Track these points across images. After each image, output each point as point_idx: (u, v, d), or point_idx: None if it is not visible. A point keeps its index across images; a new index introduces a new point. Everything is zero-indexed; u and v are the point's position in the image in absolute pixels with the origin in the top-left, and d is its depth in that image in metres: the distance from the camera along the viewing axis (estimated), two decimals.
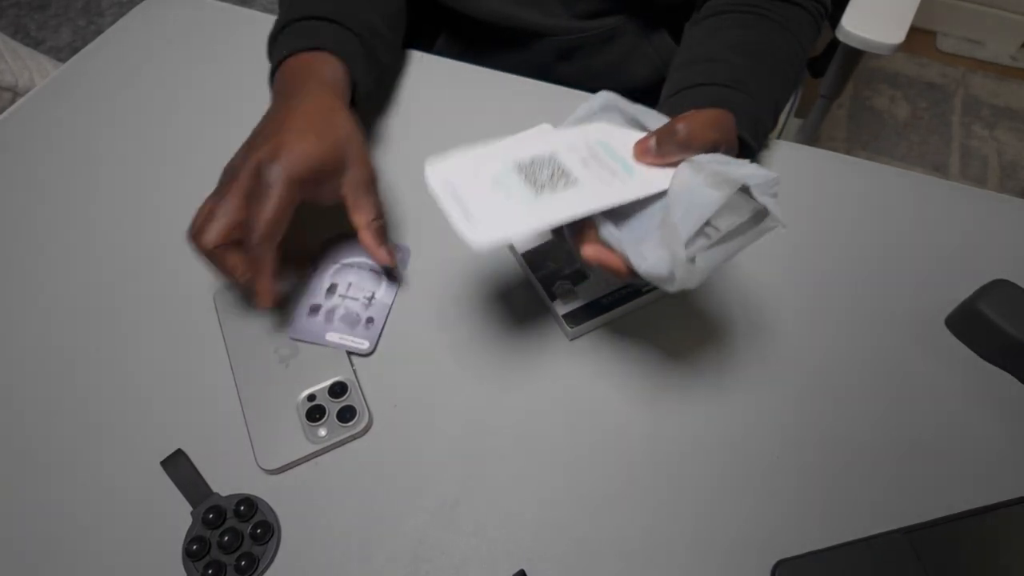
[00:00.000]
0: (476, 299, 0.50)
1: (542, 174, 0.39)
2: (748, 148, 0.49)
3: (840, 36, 0.78)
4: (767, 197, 0.36)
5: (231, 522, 0.40)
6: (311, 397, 0.44)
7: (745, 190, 0.36)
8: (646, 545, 0.40)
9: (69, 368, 0.47)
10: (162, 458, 0.42)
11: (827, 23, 0.61)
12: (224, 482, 0.42)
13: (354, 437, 0.43)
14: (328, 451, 0.43)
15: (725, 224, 0.36)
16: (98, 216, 0.55)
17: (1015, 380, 0.46)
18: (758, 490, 0.42)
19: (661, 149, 0.39)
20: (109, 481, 0.42)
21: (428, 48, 0.71)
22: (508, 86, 0.63)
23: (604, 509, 0.41)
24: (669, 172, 0.39)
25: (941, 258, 0.52)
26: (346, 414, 0.43)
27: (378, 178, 0.48)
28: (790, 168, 0.57)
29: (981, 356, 0.47)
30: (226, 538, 0.39)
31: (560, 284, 0.49)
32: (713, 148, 0.39)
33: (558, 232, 0.43)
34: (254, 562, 0.39)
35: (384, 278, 0.50)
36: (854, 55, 0.85)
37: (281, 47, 0.51)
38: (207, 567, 0.38)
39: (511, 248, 0.52)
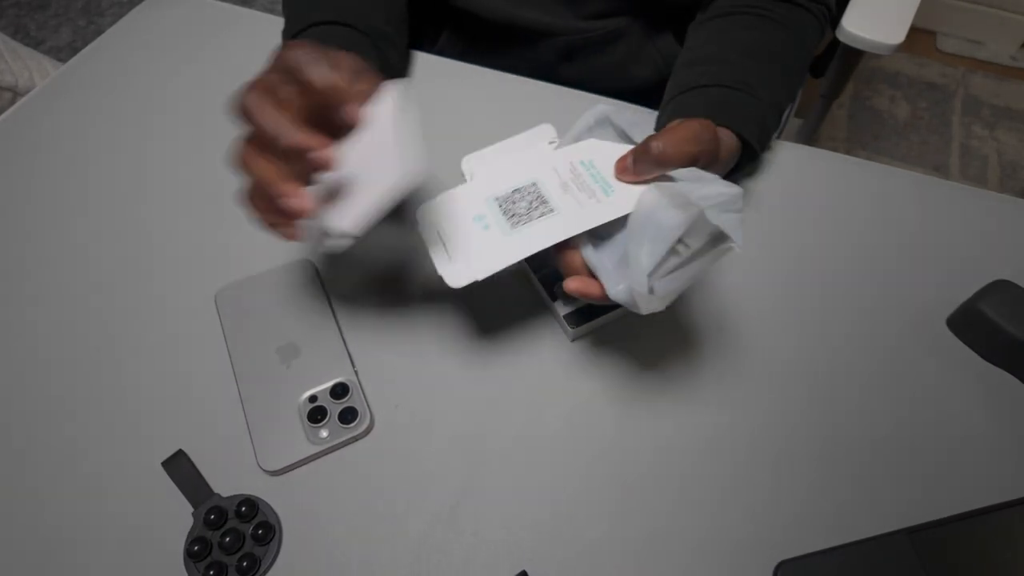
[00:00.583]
0: (477, 300, 0.50)
1: (520, 205, 0.41)
2: (751, 150, 0.49)
3: (840, 36, 0.78)
4: (730, 214, 0.36)
5: (232, 523, 0.40)
6: (313, 398, 0.44)
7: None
8: (648, 546, 0.40)
9: (70, 368, 0.47)
10: (163, 458, 0.42)
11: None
12: (225, 483, 0.42)
13: (356, 439, 0.43)
14: (329, 452, 0.43)
15: (695, 241, 0.36)
16: (99, 216, 0.55)
17: (1017, 381, 0.46)
18: (760, 490, 0.42)
19: (638, 168, 0.39)
20: (110, 482, 0.42)
21: (430, 46, 0.71)
22: (510, 86, 0.63)
23: (606, 510, 0.41)
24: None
25: (941, 258, 0.52)
26: (348, 416, 0.43)
27: None
28: (790, 168, 0.57)
29: (983, 357, 0.47)
30: (227, 539, 0.39)
31: (561, 284, 0.49)
32: (692, 162, 0.39)
33: (534, 260, 0.43)
34: (256, 563, 0.39)
35: None
36: (854, 55, 0.85)
37: None
38: (208, 568, 0.38)
39: None
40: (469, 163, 0.49)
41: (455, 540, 0.40)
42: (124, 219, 0.54)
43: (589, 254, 0.40)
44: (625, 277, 0.37)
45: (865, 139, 1.68)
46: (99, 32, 0.92)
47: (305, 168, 0.37)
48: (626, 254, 0.37)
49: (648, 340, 0.48)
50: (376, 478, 0.42)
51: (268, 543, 0.39)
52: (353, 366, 0.46)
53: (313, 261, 0.51)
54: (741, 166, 0.50)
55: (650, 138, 0.39)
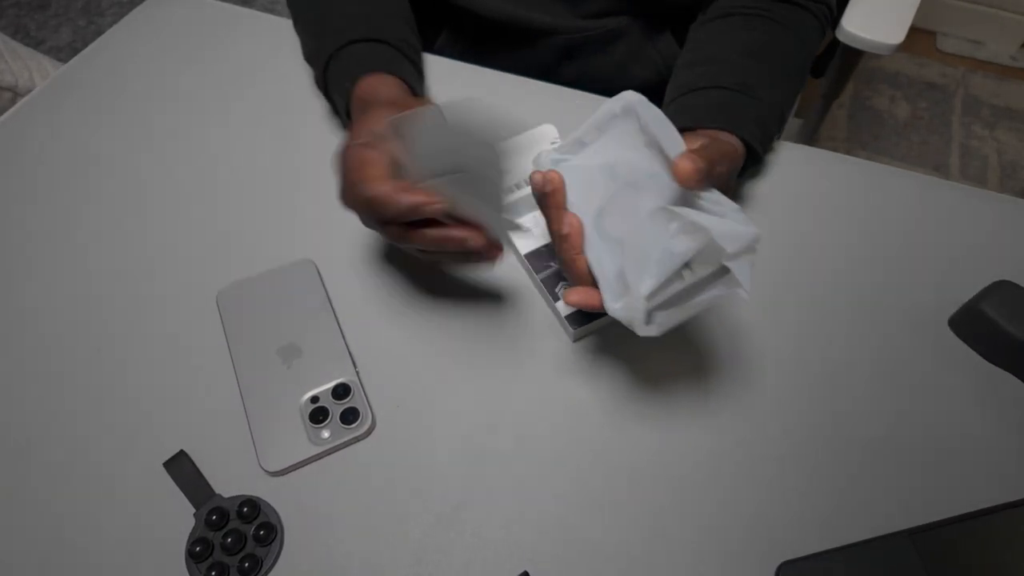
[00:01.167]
0: (479, 300, 0.50)
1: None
2: (754, 153, 0.49)
3: (840, 36, 0.78)
4: (741, 259, 0.35)
5: (234, 523, 0.40)
6: (314, 399, 0.44)
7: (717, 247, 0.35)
8: (650, 547, 0.40)
9: (71, 369, 0.47)
10: (165, 459, 0.42)
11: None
12: (227, 483, 0.42)
13: (357, 439, 0.43)
14: (331, 453, 0.43)
15: (701, 269, 0.36)
16: (99, 216, 0.55)
17: (1019, 381, 0.46)
18: (762, 492, 0.42)
19: (696, 185, 0.37)
20: (111, 482, 0.42)
21: (429, 46, 0.71)
22: (510, 86, 0.63)
23: (608, 511, 0.41)
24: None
25: (942, 258, 0.52)
26: (349, 416, 0.43)
27: None
28: (790, 168, 0.57)
29: (984, 357, 0.47)
30: (229, 539, 0.39)
31: (563, 285, 0.49)
32: (720, 181, 0.39)
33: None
34: (257, 563, 0.39)
35: None
36: (854, 55, 0.85)
37: (341, 78, 0.52)
38: (210, 568, 0.38)
39: (513, 249, 0.52)
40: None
41: (456, 540, 0.40)
42: (125, 219, 0.54)
43: (593, 261, 0.39)
44: (624, 294, 0.37)
45: (865, 139, 1.68)
46: (99, 32, 0.92)
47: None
48: (624, 271, 0.37)
49: (649, 341, 0.48)
50: (378, 478, 0.42)
51: (270, 544, 0.39)
52: (355, 367, 0.46)
53: (314, 261, 0.51)
54: (745, 168, 0.50)
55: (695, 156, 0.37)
